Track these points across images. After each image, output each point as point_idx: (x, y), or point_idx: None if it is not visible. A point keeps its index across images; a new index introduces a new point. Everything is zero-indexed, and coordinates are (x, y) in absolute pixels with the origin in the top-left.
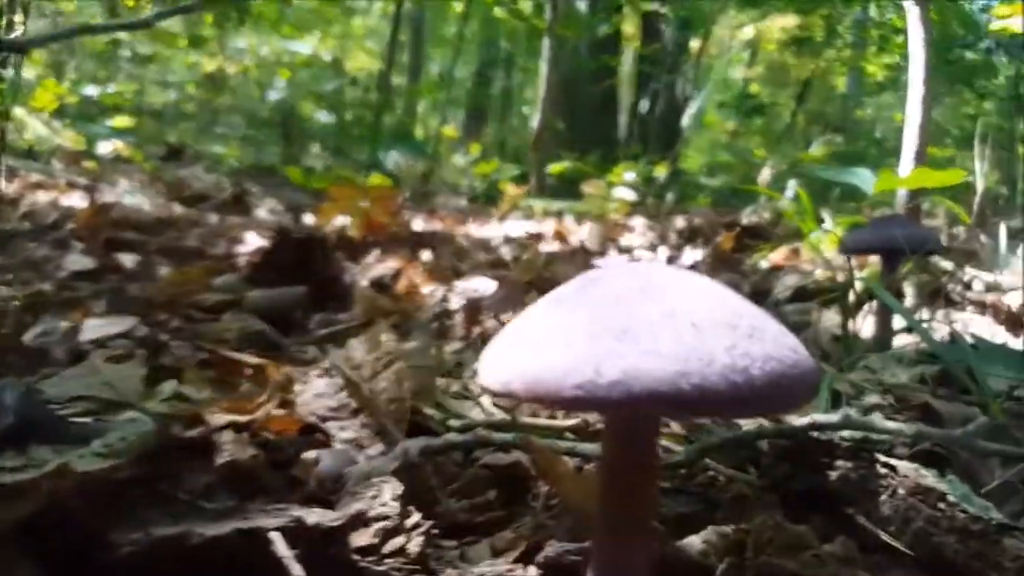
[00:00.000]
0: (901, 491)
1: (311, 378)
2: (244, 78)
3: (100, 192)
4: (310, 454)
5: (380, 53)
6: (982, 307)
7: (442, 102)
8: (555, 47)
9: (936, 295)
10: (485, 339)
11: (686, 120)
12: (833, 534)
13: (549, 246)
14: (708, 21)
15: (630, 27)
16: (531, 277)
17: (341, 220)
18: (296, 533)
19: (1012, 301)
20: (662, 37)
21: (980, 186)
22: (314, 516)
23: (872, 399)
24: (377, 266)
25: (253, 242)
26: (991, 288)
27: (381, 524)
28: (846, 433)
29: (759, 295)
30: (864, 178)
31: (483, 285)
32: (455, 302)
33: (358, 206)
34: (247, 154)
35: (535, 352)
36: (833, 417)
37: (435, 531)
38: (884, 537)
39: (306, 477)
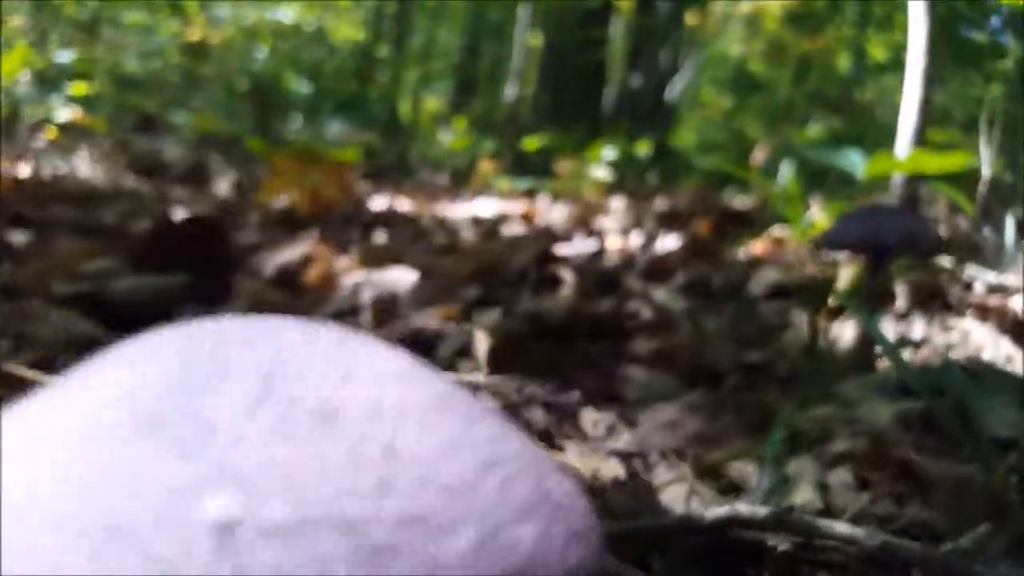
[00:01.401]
0: None
1: None
2: (227, 47)
3: (52, 162)
4: None
5: (366, 23)
6: (984, 312)
7: (421, 74)
8: (535, 15)
9: (932, 297)
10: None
11: (669, 95)
12: None
13: (514, 228)
14: None
15: None
16: (472, 267)
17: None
18: None
19: (1019, 305)
20: (656, 9)
21: (986, 174)
22: None
23: (841, 445)
24: (293, 251)
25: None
26: (994, 290)
27: None
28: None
29: (733, 291)
30: (855, 160)
31: (402, 277)
32: (369, 296)
33: (304, 181)
34: (224, 124)
35: None
36: (762, 511)
37: None
38: None
39: None
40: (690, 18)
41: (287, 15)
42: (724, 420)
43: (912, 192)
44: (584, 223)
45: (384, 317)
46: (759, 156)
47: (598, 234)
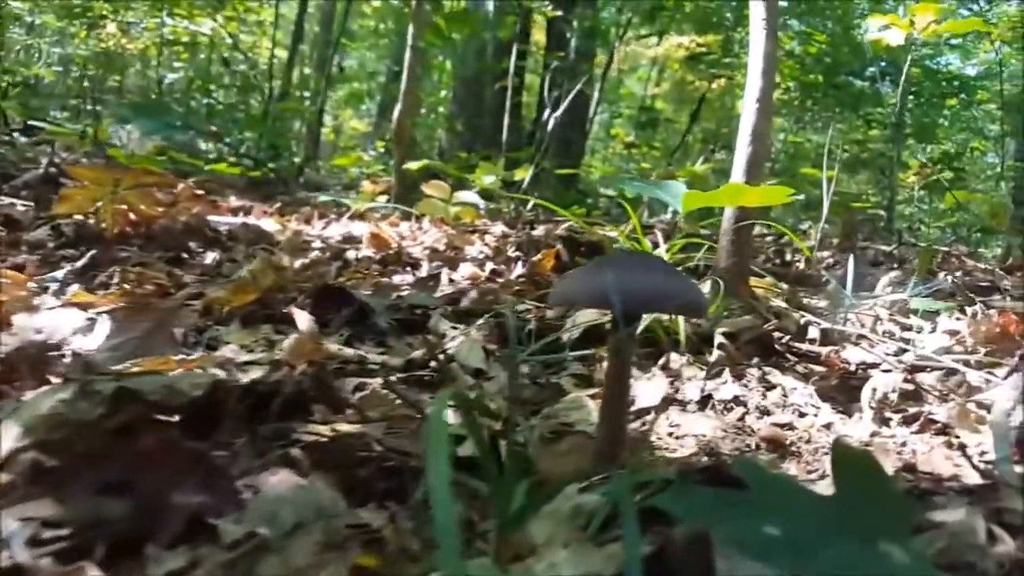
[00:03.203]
0: None
1: None
2: (140, 57)
3: None
4: None
5: (283, 43)
6: (812, 364)
7: (321, 94)
8: (417, 34)
9: (756, 346)
10: None
11: (551, 124)
12: None
13: (367, 251)
14: (613, 34)
15: (538, 32)
16: (248, 299)
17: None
18: None
19: (853, 357)
20: (567, 45)
21: (825, 209)
22: None
23: None
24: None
25: None
26: (829, 339)
27: None
28: None
29: (546, 332)
30: (674, 193)
31: (65, 320)
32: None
33: (112, 193)
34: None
35: None
36: None
37: None
38: None
39: None
40: (599, 57)
41: (204, 27)
42: None
43: (741, 227)
44: (454, 249)
45: (33, 372)
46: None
47: (453, 262)
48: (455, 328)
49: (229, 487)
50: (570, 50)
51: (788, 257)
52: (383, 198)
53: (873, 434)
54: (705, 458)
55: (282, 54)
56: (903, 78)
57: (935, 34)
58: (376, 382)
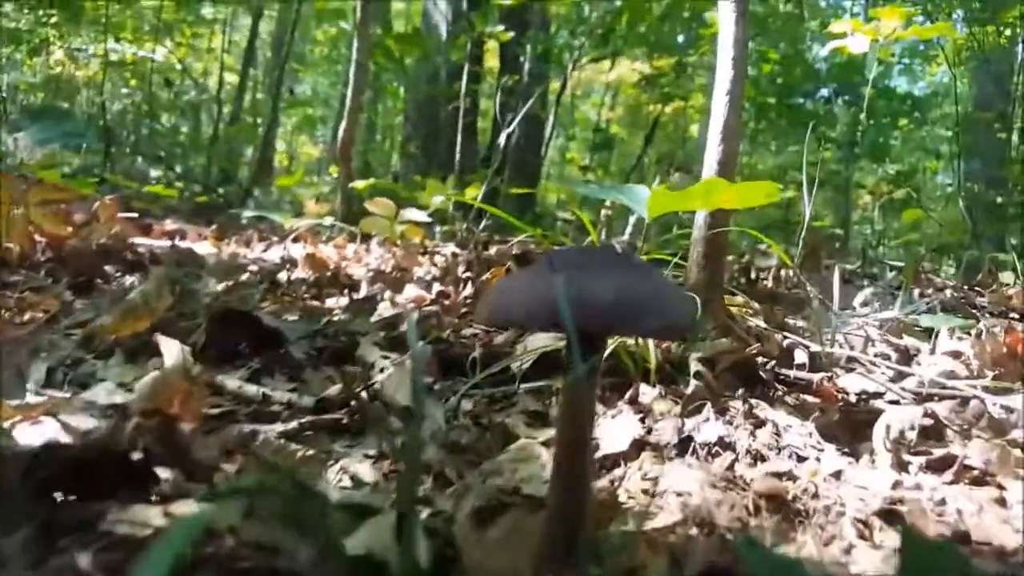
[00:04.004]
0: None
1: None
2: (88, 84)
3: None
4: None
5: (235, 68)
6: (806, 395)
7: (269, 116)
8: (364, 49)
9: (739, 375)
10: None
11: (504, 139)
12: None
13: (302, 273)
14: (566, 58)
15: (491, 59)
16: (143, 323)
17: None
18: None
19: (850, 385)
20: (521, 69)
21: (806, 221)
22: None
23: None
24: None
25: None
26: (819, 364)
27: None
28: None
29: (493, 361)
30: (638, 197)
31: None
32: None
33: (16, 211)
34: (68, 161)
35: None
36: None
37: None
38: None
39: None
40: (553, 81)
41: (154, 53)
42: None
43: (715, 236)
44: (400, 270)
45: None
46: (604, 211)
47: (398, 284)
48: (386, 357)
49: None
50: (524, 73)
51: (753, 275)
52: (329, 219)
53: (895, 485)
54: (695, 530)
55: (234, 79)
56: (868, 86)
57: (893, 45)
58: (273, 430)
